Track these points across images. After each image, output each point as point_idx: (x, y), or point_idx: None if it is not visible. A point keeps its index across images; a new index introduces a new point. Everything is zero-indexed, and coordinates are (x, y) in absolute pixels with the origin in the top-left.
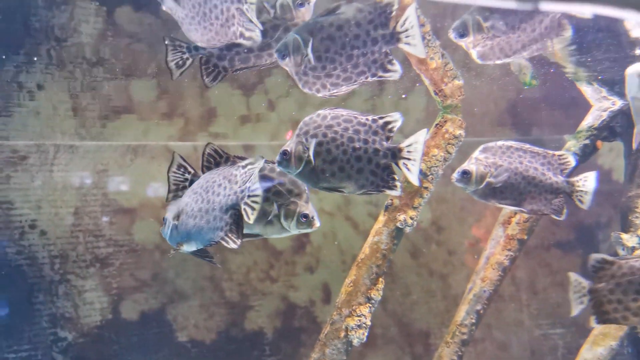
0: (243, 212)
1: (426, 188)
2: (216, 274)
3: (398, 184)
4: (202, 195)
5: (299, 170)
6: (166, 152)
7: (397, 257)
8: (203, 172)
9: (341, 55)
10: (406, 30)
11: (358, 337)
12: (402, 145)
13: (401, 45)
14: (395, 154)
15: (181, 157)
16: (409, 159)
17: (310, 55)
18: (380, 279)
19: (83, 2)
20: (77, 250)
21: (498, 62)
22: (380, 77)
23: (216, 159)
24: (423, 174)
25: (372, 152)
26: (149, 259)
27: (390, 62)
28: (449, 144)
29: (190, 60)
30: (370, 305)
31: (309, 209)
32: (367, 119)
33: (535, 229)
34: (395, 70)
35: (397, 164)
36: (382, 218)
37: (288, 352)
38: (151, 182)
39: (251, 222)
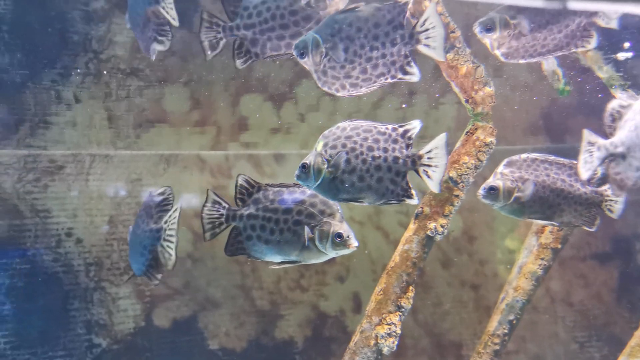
0: (160, 254)
1: (457, 196)
2: (247, 282)
3: (413, 191)
4: (136, 224)
5: (318, 182)
6: (198, 161)
7: (428, 267)
8: (237, 204)
9: (360, 56)
10: (426, 30)
11: (388, 345)
12: (422, 152)
13: (420, 47)
14: (415, 161)
15: (215, 194)
16: (429, 166)
17: (341, 53)
18: (411, 288)
19: (119, 15)
20: (112, 258)
21: (522, 61)
22: (399, 79)
23: (248, 190)
24: (454, 182)
25: (391, 160)
26: (180, 267)
27: (409, 64)
28: (479, 151)
29: (224, 41)
30: (401, 313)
31: (344, 228)
32: (386, 128)
33: (571, 238)
34: (414, 73)
35: (416, 171)
36: (412, 226)
37: None
38: (183, 190)
39: (170, 267)
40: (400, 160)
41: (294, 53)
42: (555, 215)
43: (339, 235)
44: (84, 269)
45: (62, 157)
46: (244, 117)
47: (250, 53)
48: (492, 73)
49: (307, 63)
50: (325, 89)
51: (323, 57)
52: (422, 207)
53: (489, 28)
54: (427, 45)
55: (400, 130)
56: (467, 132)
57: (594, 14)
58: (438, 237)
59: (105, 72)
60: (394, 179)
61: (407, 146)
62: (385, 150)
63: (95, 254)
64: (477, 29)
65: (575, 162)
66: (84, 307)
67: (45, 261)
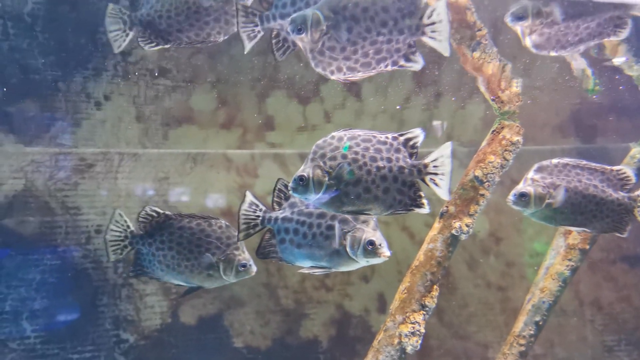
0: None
1: (482, 195)
2: (272, 281)
3: (425, 201)
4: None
5: (319, 195)
6: (225, 160)
7: (454, 268)
8: (274, 208)
9: (365, 39)
10: (433, 23)
11: (412, 344)
12: (427, 160)
13: (425, 39)
14: (421, 170)
15: (252, 195)
16: (435, 174)
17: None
18: (435, 287)
19: None
20: None
21: (553, 53)
22: (400, 66)
23: (286, 194)
24: (479, 181)
25: (397, 170)
26: None
27: (413, 53)
28: (505, 150)
29: (262, 33)
30: (425, 312)
31: (377, 236)
32: (386, 137)
33: (601, 241)
34: (417, 62)
35: (423, 180)
36: (437, 225)
37: None
38: (210, 189)
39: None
40: (406, 170)
41: (289, 28)
42: (587, 221)
43: (371, 243)
44: (112, 265)
45: (92, 155)
46: (270, 117)
47: (287, 42)
48: (519, 71)
49: (303, 40)
50: (319, 70)
51: (323, 35)
52: (447, 206)
53: (520, 17)
54: (433, 38)
55: (402, 139)
56: (494, 130)
57: (629, 5)
58: (463, 237)
59: (134, 72)
60: (401, 189)
61: (411, 155)
62: (389, 160)
63: None
64: (508, 17)
65: (607, 167)
66: (112, 303)
67: (75, 257)
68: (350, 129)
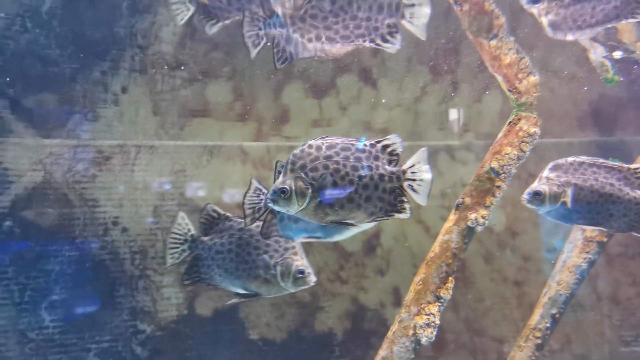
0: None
1: (498, 187)
2: None
3: (407, 206)
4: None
5: (302, 207)
6: (241, 152)
7: (470, 262)
8: None
9: (346, 13)
10: (412, 5)
11: (427, 335)
12: (405, 167)
13: (403, 22)
14: (400, 176)
15: (258, 182)
16: (413, 180)
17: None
18: (450, 278)
19: (164, 9)
20: (156, 247)
21: (570, 36)
22: (377, 45)
23: None
24: (495, 173)
25: (377, 178)
26: None
27: (391, 34)
28: (522, 142)
29: (264, 39)
30: (440, 304)
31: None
32: (364, 145)
33: (619, 236)
34: (394, 44)
35: (401, 187)
36: (452, 217)
37: (357, 354)
38: (226, 181)
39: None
40: (386, 177)
41: None
42: (603, 220)
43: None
44: (129, 257)
45: (109, 147)
46: (286, 110)
47: (286, 52)
48: (537, 63)
49: (284, 5)
50: (297, 35)
51: (306, 2)
52: (462, 198)
53: None
54: (410, 22)
55: (379, 145)
56: (510, 122)
57: None
58: (479, 228)
59: (151, 65)
60: (382, 196)
61: (390, 162)
62: (370, 168)
63: (140, 243)
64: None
65: (624, 165)
66: (129, 294)
67: (93, 249)
68: (327, 137)
